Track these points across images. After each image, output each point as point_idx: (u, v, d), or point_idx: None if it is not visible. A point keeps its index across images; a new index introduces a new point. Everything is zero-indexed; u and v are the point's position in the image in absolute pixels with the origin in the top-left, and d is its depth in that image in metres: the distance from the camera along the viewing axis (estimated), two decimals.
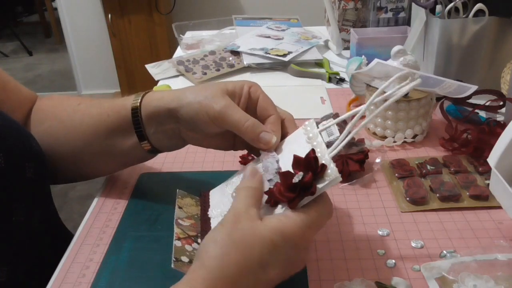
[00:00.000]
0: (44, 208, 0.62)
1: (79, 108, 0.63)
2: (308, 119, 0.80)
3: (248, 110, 0.55)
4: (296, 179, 0.43)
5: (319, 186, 0.44)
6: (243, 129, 0.52)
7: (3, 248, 0.53)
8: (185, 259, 0.46)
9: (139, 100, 0.58)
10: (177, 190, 0.56)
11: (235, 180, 0.55)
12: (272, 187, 0.47)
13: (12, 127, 0.57)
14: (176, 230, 0.49)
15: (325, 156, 0.46)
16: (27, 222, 0.56)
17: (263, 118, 0.55)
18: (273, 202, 0.46)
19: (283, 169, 0.48)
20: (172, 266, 0.45)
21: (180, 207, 0.53)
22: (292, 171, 0.45)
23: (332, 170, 0.44)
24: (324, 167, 0.44)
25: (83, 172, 0.66)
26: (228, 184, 0.56)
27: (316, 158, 0.44)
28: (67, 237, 0.68)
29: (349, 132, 0.48)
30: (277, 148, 0.53)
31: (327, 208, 0.46)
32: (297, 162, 0.45)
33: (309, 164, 0.44)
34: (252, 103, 0.56)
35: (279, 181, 0.46)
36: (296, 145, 0.52)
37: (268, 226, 0.43)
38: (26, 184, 0.56)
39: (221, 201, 0.54)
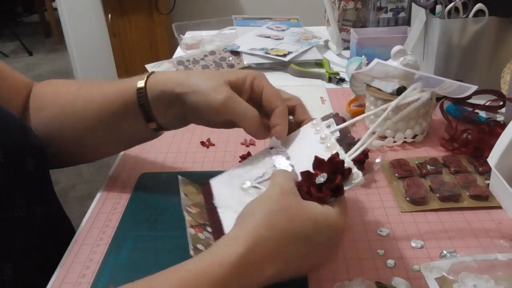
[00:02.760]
0: (46, 202, 0.61)
1: (80, 93, 0.63)
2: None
3: (252, 102, 0.55)
4: (321, 180, 0.45)
5: (345, 188, 0.46)
6: (244, 122, 0.53)
7: (6, 244, 0.52)
8: (201, 247, 0.46)
9: (144, 82, 0.57)
10: (178, 176, 0.56)
11: (241, 173, 0.55)
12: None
13: (10, 121, 0.56)
14: (187, 217, 0.49)
15: (346, 159, 0.47)
16: (29, 217, 0.55)
17: (269, 110, 0.55)
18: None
19: (296, 166, 0.49)
20: (191, 253, 0.44)
21: (185, 194, 0.53)
22: (311, 171, 0.46)
23: (357, 174, 0.46)
24: (350, 170, 0.46)
25: (86, 155, 0.66)
26: (233, 176, 0.55)
27: (343, 162, 0.46)
28: (70, 230, 0.68)
29: (373, 133, 0.51)
30: (285, 142, 0.54)
31: (347, 207, 0.47)
32: (320, 163, 0.46)
33: (337, 167, 0.46)
34: (257, 95, 0.56)
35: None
36: (307, 144, 0.52)
37: (312, 207, 0.44)
38: (27, 179, 0.56)
39: (228, 194, 0.53)
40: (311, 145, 0.51)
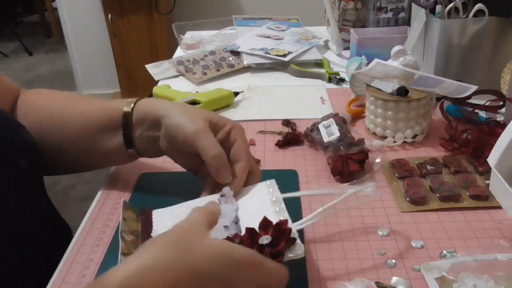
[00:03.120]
0: (36, 199, 0.62)
1: (69, 104, 0.64)
2: (308, 120, 0.81)
3: (222, 147, 0.55)
4: (264, 241, 0.45)
5: (286, 256, 0.46)
6: (209, 156, 0.53)
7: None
8: None
9: (132, 106, 0.60)
10: (122, 199, 0.55)
11: (184, 210, 0.55)
12: (230, 235, 0.47)
13: (3, 119, 0.57)
14: (121, 243, 0.49)
15: (293, 229, 0.47)
16: (21, 212, 0.56)
17: (233, 161, 0.55)
18: None
19: (242, 220, 0.50)
20: None
21: (124, 219, 0.52)
22: (256, 229, 0.46)
23: (299, 246, 0.46)
24: (294, 240, 0.46)
25: (66, 167, 0.67)
26: (175, 212, 0.55)
27: (290, 231, 0.46)
28: (65, 230, 0.68)
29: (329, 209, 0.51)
30: (236, 195, 0.54)
31: (282, 272, 0.44)
32: (266, 225, 0.47)
33: (283, 234, 0.46)
34: (228, 143, 0.56)
35: (235, 231, 0.48)
36: (258, 202, 0.53)
37: (217, 242, 0.42)
38: (20, 175, 0.56)
39: (167, 226, 0.51)
40: (262, 204, 0.52)
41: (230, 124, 0.57)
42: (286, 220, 0.48)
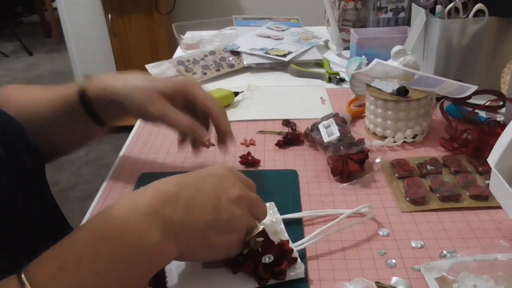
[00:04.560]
0: (41, 200, 0.63)
1: (32, 94, 0.69)
2: (308, 120, 0.81)
3: (187, 107, 0.62)
4: (266, 260, 0.48)
5: (287, 275, 0.49)
6: (180, 130, 0.63)
7: (6, 234, 0.53)
8: None
9: (81, 88, 0.65)
10: None
11: None
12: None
13: (8, 120, 0.58)
14: None
15: (295, 250, 0.51)
16: (27, 211, 0.57)
17: (206, 112, 0.63)
18: (234, 271, 0.49)
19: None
20: None
21: None
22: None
23: (300, 265, 0.50)
24: (295, 260, 0.50)
25: (51, 152, 0.70)
26: None
27: (292, 251, 0.50)
28: (69, 231, 0.68)
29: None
30: (226, 134, 0.62)
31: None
32: (269, 245, 0.49)
33: (285, 254, 0.49)
34: (190, 103, 0.63)
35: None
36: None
37: None
38: (26, 175, 0.57)
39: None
40: (262, 225, 0.53)
41: (182, 86, 0.63)
42: (288, 241, 0.51)
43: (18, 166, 0.56)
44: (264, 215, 0.51)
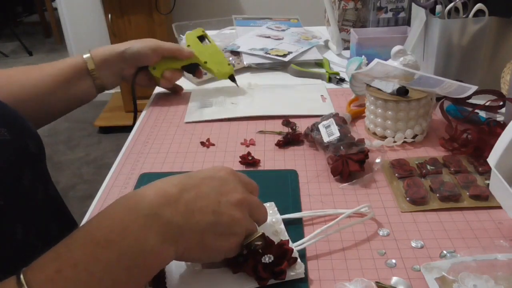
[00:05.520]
0: (45, 183, 0.64)
1: (34, 70, 0.81)
2: (309, 117, 0.81)
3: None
4: (267, 260, 0.48)
5: (287, 275, 0.49)
6: (174, 50, 0.91)
7: (17, 206, 0.55)
8: None
9: (89, 54, 0.85)
10: None
11: None
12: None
13: (12, 111, 0.61)
14: None
15: (295, 249, 0.51)
16: (33, 192, 0.59)
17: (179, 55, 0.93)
18: (234, 271, 0.49)
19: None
20: None
21: None
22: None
23: (300, 265, 0.50)
24: (295, 260, 0.50)
25: (45, 116, 0.82)
26: None
27: (292, 251, 0.50)
28: (72, 223, 0.69)
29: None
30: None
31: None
32: (269, 245, 0.49)
33: (285, 254, 0.49)
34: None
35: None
36: None
37: None
38: (31, 158, 0.60)
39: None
40: (262, 225, 0.53)
41: (155, 46, 0.90)
42: (288, 240, 0.51)
43: (23, 148, 0.58)
44: (264, 219, 0.51)
